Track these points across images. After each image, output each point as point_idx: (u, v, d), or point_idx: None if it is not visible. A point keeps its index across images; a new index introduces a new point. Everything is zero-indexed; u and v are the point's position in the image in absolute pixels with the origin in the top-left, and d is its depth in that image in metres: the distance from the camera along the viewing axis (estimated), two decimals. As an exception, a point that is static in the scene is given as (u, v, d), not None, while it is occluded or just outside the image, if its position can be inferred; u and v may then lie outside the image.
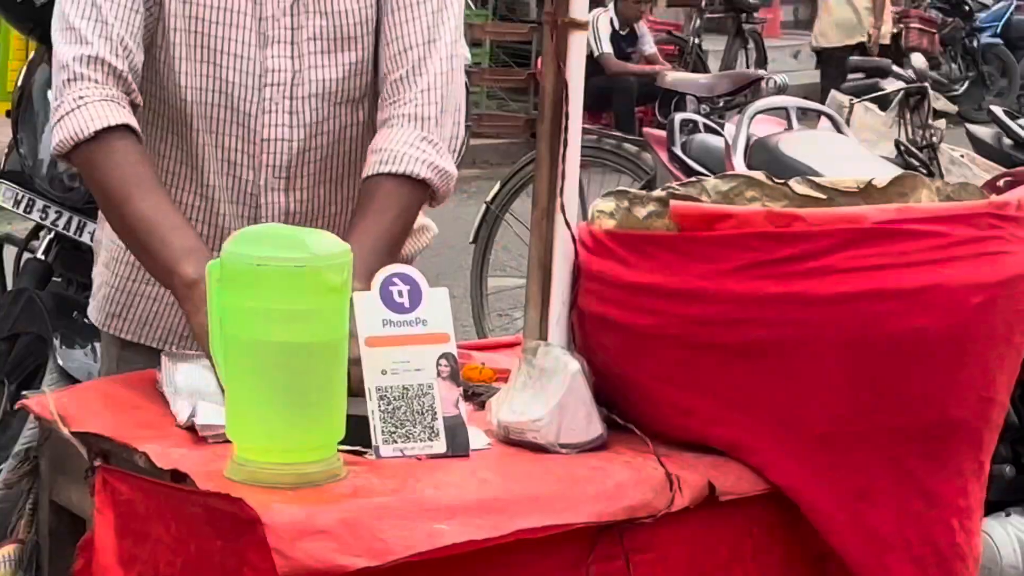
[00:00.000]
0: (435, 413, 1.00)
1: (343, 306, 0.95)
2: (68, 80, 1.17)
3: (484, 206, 4.14)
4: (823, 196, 1.04)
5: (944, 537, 1.04)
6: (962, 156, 3.43)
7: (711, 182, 1.08)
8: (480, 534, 0.88)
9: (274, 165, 1.25)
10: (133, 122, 1.16)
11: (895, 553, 1.02)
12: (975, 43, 10.31)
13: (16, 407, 1.33)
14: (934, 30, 9.76)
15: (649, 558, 1.00)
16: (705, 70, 8.27)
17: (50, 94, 2.41)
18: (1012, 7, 10.74)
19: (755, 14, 9.88)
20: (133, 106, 1.19)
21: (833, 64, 7.87)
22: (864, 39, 8.24)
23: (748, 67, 9.21)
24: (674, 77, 5.17)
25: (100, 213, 1.36)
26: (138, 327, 1.32)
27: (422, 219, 1.39)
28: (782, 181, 1.05)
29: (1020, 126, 3.53)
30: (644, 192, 1.11)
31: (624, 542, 0.97)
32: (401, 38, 1.24)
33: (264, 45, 1.22)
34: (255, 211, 1.27)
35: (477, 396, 1.14)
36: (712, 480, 1.00)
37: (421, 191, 1.23)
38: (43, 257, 2.44)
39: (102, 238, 1.38)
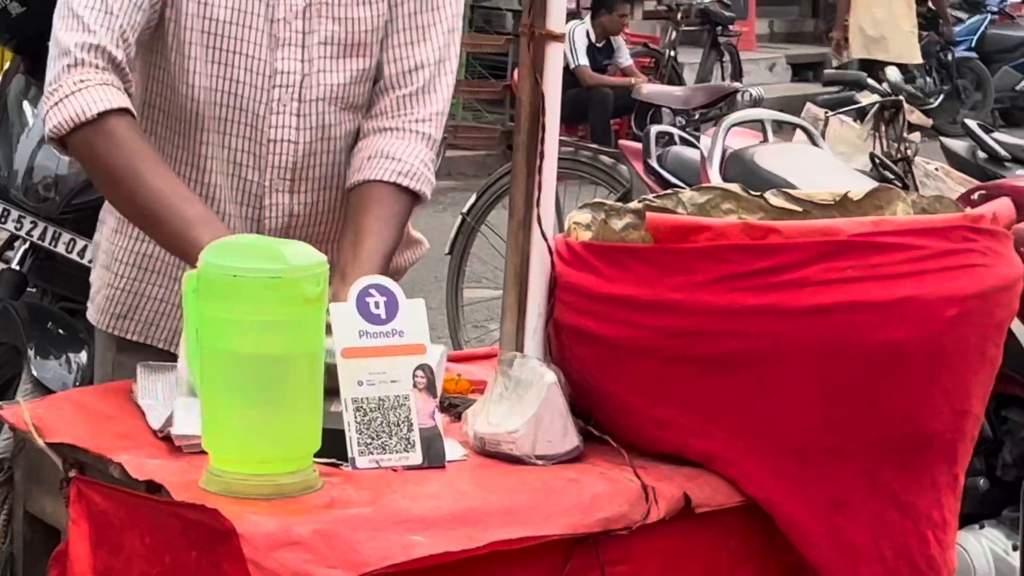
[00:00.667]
0: (411, 424, 1.00)
1: (319, 318, 0.95)
2: (69, 65, 1.17)
3: (460, 217, 4.14)
4: (799, 209, 1.05)
5: (919, 549, 1.04)
6: (936, 169, 3.47)
7: (687, 194, 1.09)
8: (456, 546, 0.88)
9: (280, 166, 1.28)
10: (132, 108, 1.19)
11: (869, 565, 1.03)
12: (950, 57, 10.45)
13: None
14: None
15: (625, 570, 1.00)
16: (681, 82, 8.31)
17: (25, 104, 2.40)
18: (986, 21, 10.91)
19: (731, 27, 9.96)
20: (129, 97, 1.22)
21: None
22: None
23: (724, 80, 9.24)
24: (650, 89, 5.20)
25: (101, 214, 1.40)
26: (145, 327, 1.34)
27: (417, 233, 1.44)
28: (758, 193, 1.06)
29: (994, 139, 3.58)
30: (620, 204, 1.11)
31: (600, 554, 0.97)
32: (414, 56, 1.28)
33: (275, 47, 1.24)
34: (259, 212, 1.29)
35: (454, 408, 1.14)
36: (688, 492, 1.00)
37: (414, 207, 1.29)
38: (17, 268, 2.41)
39: (100, 240, 1.40)
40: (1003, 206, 1.00)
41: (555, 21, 1.09)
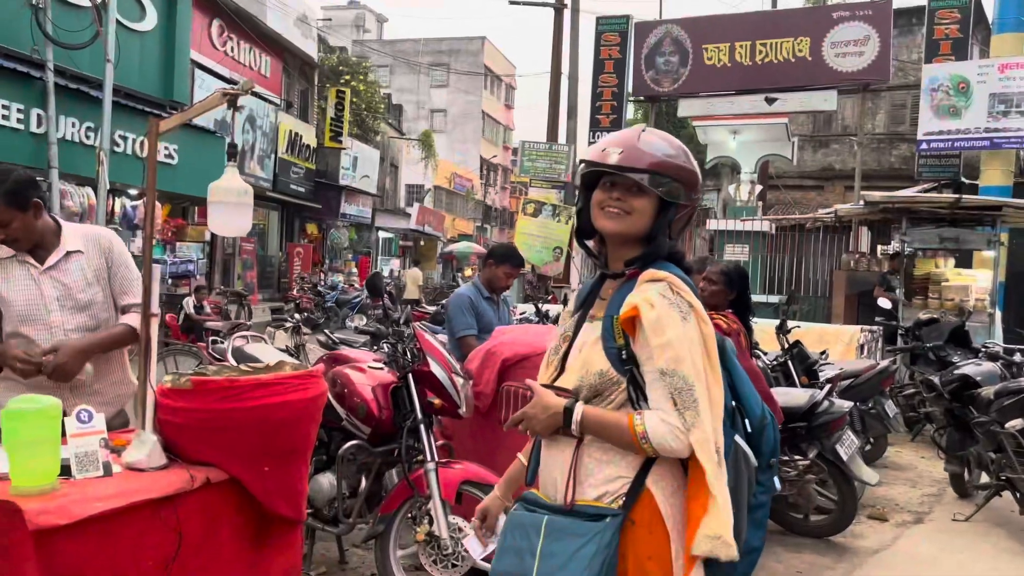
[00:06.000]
0: (99, 462, 2.63)
1: (57, 425, 2.55)
2: None
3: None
4: (251, 369, 2.85)
5: (298, 489, 2.88)
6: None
7: (213, 368, 2.86)
8: (111, 505, 2.52)
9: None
10: None
11: (279, 497, 2.84)
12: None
13: None
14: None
15: (189, 510, 2.70)
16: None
17: None
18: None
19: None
20: None
21: None
22: None
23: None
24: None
25: None
26: None
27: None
28: (237, 365, 2.84)
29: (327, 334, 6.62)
30: (183, 372, 2.85)
31: (177, 506, 2.66)
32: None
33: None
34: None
35: (117, 451, 2.79)
36: (209, 476, 2.72)
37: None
38: None
39: None
40: (320, 365, 2.88)
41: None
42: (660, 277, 1.91)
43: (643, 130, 2.01)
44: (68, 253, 3.06)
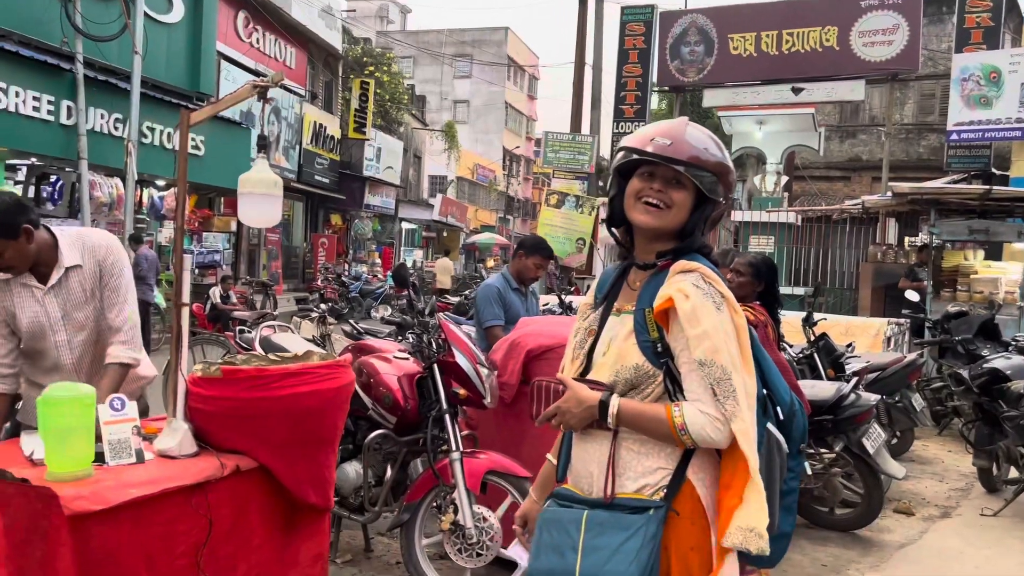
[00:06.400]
0: (131, 449, 2.68)
1: (92, 411, 2.60)
2: None
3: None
4: (279, 358, 2.89)
5: (326, 477, 2.91)
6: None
7: (241, 357, 2.89)
8: (144, 491, 2.56)
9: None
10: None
11: (308, 484, 2.87)
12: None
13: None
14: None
15: (217, 498, 2.74)
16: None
17: None
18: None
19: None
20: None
21: None
22: None
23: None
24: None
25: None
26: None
27: (148, 371, 3.16)
28: (264, 354, 2.88)
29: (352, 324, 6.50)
30: (212, 361, 2.88)
31: (208, 492, 2.70)
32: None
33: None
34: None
35: (148, 439, 2.83)
36: (239, 464, 2.77)
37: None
38: None
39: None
40: (347, 355, 2.91)
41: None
42: (692, 268, 1.89)
43: (688, 123, 1.98)
44: (67, 270, 3.03)
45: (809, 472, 5.25)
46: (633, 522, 1.84)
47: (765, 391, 1.98)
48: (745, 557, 1.83)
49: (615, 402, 1.90)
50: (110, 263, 3.08)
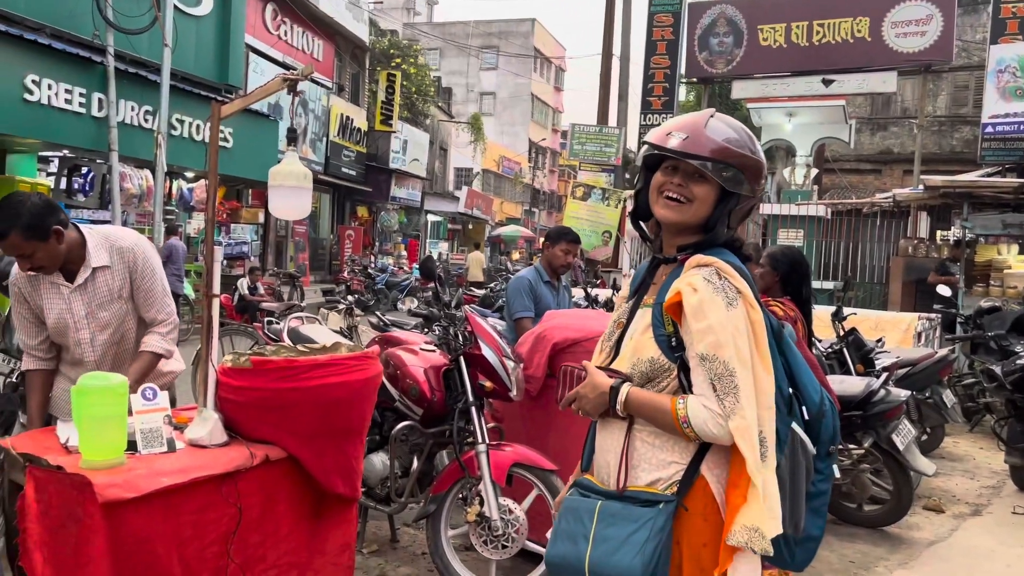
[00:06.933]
0: (163, 437, 2.71)
1: (124, 400, 2.63)
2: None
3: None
4: (308, 350, 2.90)
5: (354, 467, 2.93)
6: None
7: (271, 348, 2.91)
8: (176, 480, 2.59)
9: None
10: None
11: (336, 474, 2.89)
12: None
13: None
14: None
15: (247, 487, 2.77)
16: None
17: None
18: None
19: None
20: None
21: None
22: None
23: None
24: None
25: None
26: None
27: (177, 364, 3.21)
28: (292, 345, 2.90)
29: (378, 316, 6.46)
30: (241, 352, 2.91)
31: (238, 481, 2.73)
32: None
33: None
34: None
35: (179, 429, 2.86)
36: (268, 454, 2.80)
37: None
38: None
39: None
40: (374, 347, 2.91)
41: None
42: (707, 262, 1.88)
43: (711, 115, 1.96)
44: (94, 270, 3.06)
45: (837, 474, 5.20)
46: (642, 515, 1.84)
47: (791, 390, 1.94)
48: (771, 560, 1.81)
49: (624, 389, 1.91)
50: (140, 267, 3.10)
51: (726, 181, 1.90)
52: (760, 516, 1.75)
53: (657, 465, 1.90)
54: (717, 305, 1.81)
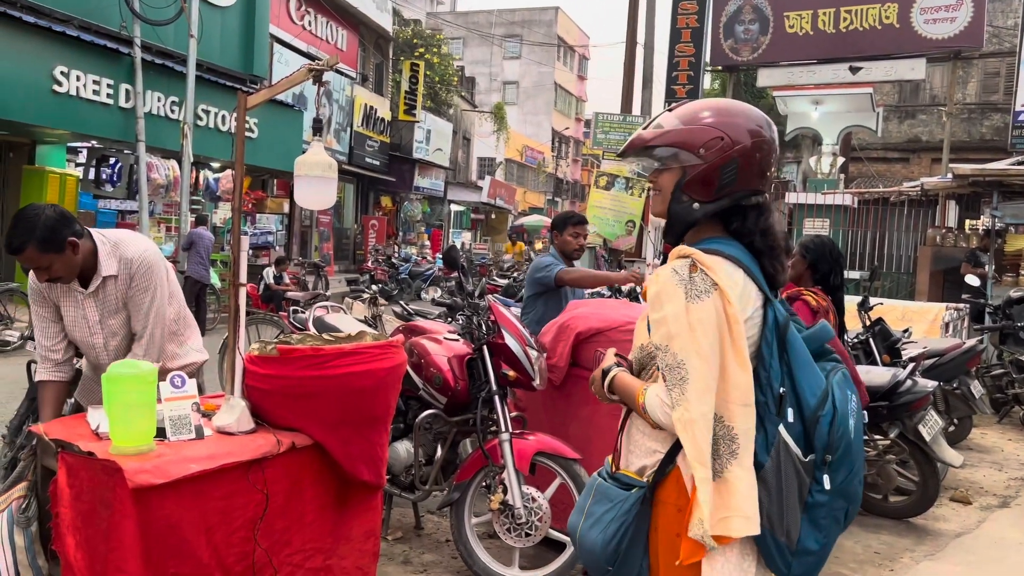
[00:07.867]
0: (191, 424, 2.75)
1: (153, 388, 2.67)
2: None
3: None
4: (333, 339, 2.93)
5: (379, 455, 2.96)
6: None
7: (296, 337, 2.94)
8: (204, 466, 2.63)
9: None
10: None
11: (361, 462, 2.92)
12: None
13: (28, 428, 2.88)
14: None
15: (273, 474, 2.80)
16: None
17: None
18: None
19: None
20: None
21: None
22: None
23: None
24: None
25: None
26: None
27: (200, 355, 3.24)
28: (318, 334, 2.92)
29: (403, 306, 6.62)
30: (268, 340, 2.93)
31: (264, 468, 2.77)
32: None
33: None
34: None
35: (207, 416, 2.90)
36: (295, 441, 2.83)
37: None
38: None
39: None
40: (399, 336, 2.93)
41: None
42: (687, 253, 1.87)
43: (669, 108, 2.01)
44: (105, 279, 3.09)
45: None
46: (617, 495, 1.92)
47: (782, 389, 1.85)
48: (769, 566, 1.82)
49: (612, 373, 1.99)
50: (136, 278, 3.11)
51: (660, 160, 1.96)
52: (703, 507, 1.73)
53: (644, 452, 1.94)
54: (674, 296, 1.81)
